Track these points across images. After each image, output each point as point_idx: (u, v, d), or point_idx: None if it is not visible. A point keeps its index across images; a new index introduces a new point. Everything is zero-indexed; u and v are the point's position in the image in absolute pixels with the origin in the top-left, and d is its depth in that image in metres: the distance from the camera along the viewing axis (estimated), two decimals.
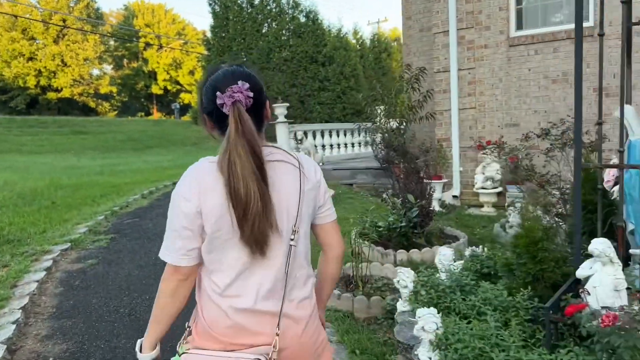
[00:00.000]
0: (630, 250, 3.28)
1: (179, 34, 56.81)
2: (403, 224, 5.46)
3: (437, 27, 8.09)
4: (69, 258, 5.88)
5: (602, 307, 2.63)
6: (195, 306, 1.56)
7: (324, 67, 30.01)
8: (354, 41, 35.77)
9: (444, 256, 4.17)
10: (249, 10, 30.74)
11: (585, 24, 7.02)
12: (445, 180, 7.90)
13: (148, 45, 54.67)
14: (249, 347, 1.46)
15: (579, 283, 3.12)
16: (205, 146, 26.65)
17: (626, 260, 3.24)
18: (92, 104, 49.40)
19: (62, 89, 44.71)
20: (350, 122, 25.11)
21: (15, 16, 41.23)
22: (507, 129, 7.66)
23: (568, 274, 3.35)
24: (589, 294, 2.72)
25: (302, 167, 1.56)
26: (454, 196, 7.95)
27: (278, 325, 1.48)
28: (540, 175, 4.50)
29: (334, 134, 13.52)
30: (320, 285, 1.77)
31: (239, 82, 1.43)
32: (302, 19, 30.79)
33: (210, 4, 29.14)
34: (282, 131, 11.39)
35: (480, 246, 4.62)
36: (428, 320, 3.01)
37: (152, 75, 55.59)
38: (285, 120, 11.47)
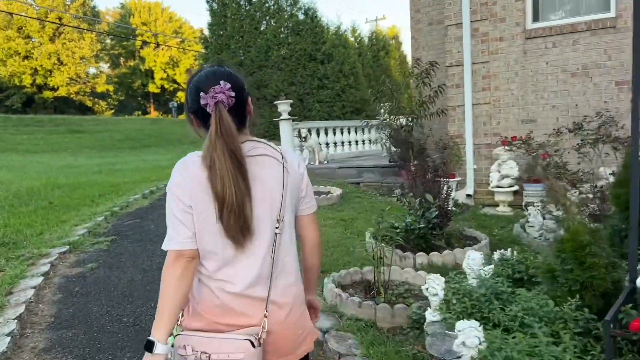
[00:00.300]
0: None
1: (175, 32, 56.42)
2: (422, 225, 5.16)
3: (449, 19, 7.78)
4: (68, 262, 5.56)
5: None
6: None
7: (323, 65, 29.69)
8: (352, 39, 35.40)
9: (473, 260, 3.88)
10: (247, 8, 30.40)
11: (605, 15, 6.74)
12: (458, 178, 7.60)
13: (145, 43, 54.27)
14: (234, 327, 1.53)
15: (635, 293, 2.84)
16: (202, 144, 26.23)
17: None
18: (89, 103, 49.02)
19: (58, 88, 44.34)
20: (349, 120, 24.84)
21: (11, 14, 40.78)
22: (523, 125, 7.37)
23: (619, 281, 3.06)
24: None
25: (285, 160, 1.65)
26: (468, 195, 7.65)
27: (266, 308, 1.56)
28: (572, 172, 4.18)
29: (337, 131, 13.21)
30: (305, 274, 1.86)
31: (221, 83, 1.51)
32: (301, 17, 30.45)
33: (207, 2, 28.73)
34: (285, 129, 11.06)
35: (509, 249, 4.32)
36: (470, 335, 2.71)
37: (149, 74, 55.23)
38: (289, 117, 11.14)
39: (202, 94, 1.51)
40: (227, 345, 1.49)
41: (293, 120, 11.38)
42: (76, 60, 45.26)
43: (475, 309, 3.27)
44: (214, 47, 31.06)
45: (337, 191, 8.49)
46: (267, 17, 30.41)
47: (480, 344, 2.68)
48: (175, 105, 49.39)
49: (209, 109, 1.50)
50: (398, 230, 5.32)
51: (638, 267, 2.91)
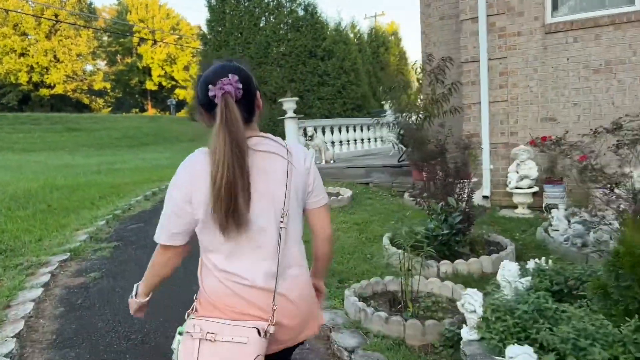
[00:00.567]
0: None
1: (173, 29, 56.01)
2: (445, 231, 4.86)
3: (464, 13, 7.47)
4: (69, 271, 5.26)
5: None
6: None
7: (324, 61, 29.37)
8: (351, 35, 35.07)
9: (508, 271, 3.59)
10: (245, 4, 30.04)
11: (630, 8, 6.45)
12: (474, 179, 7.30)
13: (142, 40, 53.87)
14: (246, 316, 1.57)
15: None
16: (202, 142, 25.95)
17: None
18: (86, 101, 48.65)
19: (54, 85, 43.96)
20: (355, 118, 24.55)
21: (7, 11, 40.30)
22: (543, 124, 7.07)
23: None
24: None
25: (291, 154, 1.69)
26: (484, 197, 7.35)
27: (274, 302, 1.60)
28: (610, 175, 3.90)
29: (343, 129, 12.90)
30: (315, 262, 1.92)
31: (229, 75, 1.55)
32: (301, 13, 30.10)
33: None
34: (290, 127, 10.76)
35: (543, 258, 4.02)
36: None
37: (147, 71, 54.88)
38: (294, 115, 10.83)
39: (210, 86, 1.55)
40: (234, 331, 1.54)
41: (298, 118, 11.08)
42: (73, 57, 44.90)
43: (519, 327, 2.98)
44: (212, 43, 30.74)
45: (347, 192, 8.20)
46: (267, 13, 30.07)
47: None
48: (174, 102, 49.02)
49: (216, 100, 1.54)
50: (419, 237, 5.02)
51: None
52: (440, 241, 4.90)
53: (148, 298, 1.87)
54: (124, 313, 4.15)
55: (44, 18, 42.75)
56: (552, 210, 6.01)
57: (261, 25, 29.92)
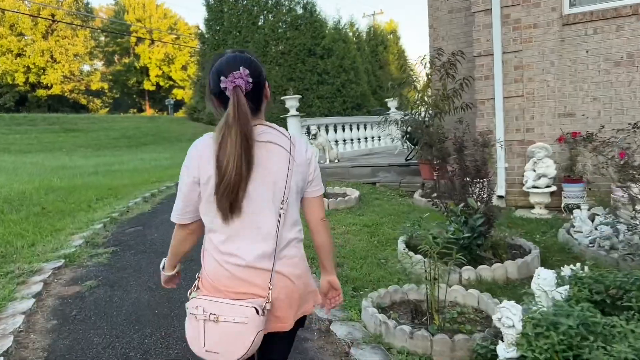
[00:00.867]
0: None
1: (170, 29, 55.64)
2: (467, 234, 4.53)
3: (477, 5, 7.14)
4: (63, 279, 4.91)
5: None
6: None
7: (323, 60, 29.11)
8: (350, 34, 34.77)
9: (544, 280, 3.27)
10: (244, 2, 29.78)
11: None
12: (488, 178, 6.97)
13: (140, 40, 53.49)
14: (244, 295, 1.66)
15: None
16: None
17: None
18: (83, 101, 48.25)
19: (52, 86, 43.58)
20: (359, 116, 24.22)
21: (3, 11, 39.89)
22: (560, 120, 6.75)
23: None
24: None
25: (293, 146, 1.75)
26: (499, 196, 7.02)
27: (270, 280, 1.69)
28: None
29: (347, 128, 12.56)
30: (318, 255, 1.95)
31: (241, 68, 1.62)
32: (299, 11, 29.88)
33: None
34: (293, 126, 10.42)
35: (578, 264, 3.70)
36: None
37: (144, 71, 54.57)
38: (297, 113, 10.49)
39: (222, 77, 1.61)
40: (235, 311, 1.61)
41: (301, 116, 10.74)
42: (70, 57, 44.52)
43: (564, 344, 2.66)
44: (210, 42, 30.52)
45: (354, 193, 7.87)
46: (265, 12, 29.85)
47: None
48: (172, 102, 48.63)
49: (227, 93, 1.61)
50: (439, 240, 4.69)
51: None
52: (461, 245, 4.56)
53: (176, 270, 1.97)
54: (122, 326, 3.83)
55: (41, 17, 42.34)
56: (575, 211, 5.69)
57: (260, 23, 29.69)
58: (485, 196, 5.07)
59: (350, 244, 5.55)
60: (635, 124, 4.03)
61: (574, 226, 5.63)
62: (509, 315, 2.89)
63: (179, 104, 51.11)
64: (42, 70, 43.38)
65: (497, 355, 2.91)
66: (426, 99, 7.79)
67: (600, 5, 6.43)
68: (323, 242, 1.93)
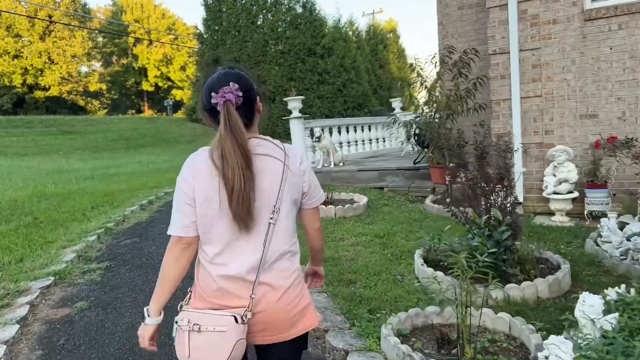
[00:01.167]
0: None
1: (169, 29, 55.24)
2: (492, 249, 4.14)
3: (491, 0, 6.75)
4: (52, 299, 4.52)
5: None
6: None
7: (323, 59, 28.72)
8: (349, 33, 34.41)
9: (591, 307, 2.89)
10: (242, 2, 29.37)
11: None
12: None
13: (138, 41, 53.09)
14: (229, 308, 1.69)
15: None
16: (200, 143, 25.12)
17: None
18: (82, 103, 47.82)
19: (49, 88, 43.17)
20: (354, 117, 23.86)
21: None
22: (582, 121, 6.36)
23: None
24: None
25: (288, 158, 1.78)
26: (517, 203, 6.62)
27: (253, 290, 1.70)
28: None
29: (351, 129, 12.16)
30: (311, 254, 2.14)
31: (230, 84, 1.67)
32: (299, 10, 29.50)
33: None
34: (297, 128, 10.02)
35: (623, 285, 3.31)
36: None
37: (143, 72, 54.21)
38: (300, 115, 10.09)
39: (213, 93, 1.66)
40: (214, 320, 1.66)
41: (305, 118, 10.34)
42: (67, 58, 44.11)
43: None
44: (209, 42, 30.12)
45: (362, 199, 7.48)
46: (264, 11, 29.48)
47: None
48: (171, 103, 48.19)
49: (218, 107, 1.66)
50: (462, 256, 4.30)
51: None
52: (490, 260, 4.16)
53: (161, 318, 1.83)
54: (115, 357, 3.44)
55: (38, 18, 41.91)
56: (602, 220, 5.30)
57: (259, 23, 29.31)
58: (509, 206, 4.69)
59: (362, 258, 5.16)
60: None
61: (601, 236, 5.25)
62: (558, 354, 2.51)
63: (177, 105, 50.70)
64: (39, 72, 42.96)
65: None
66: (438, 99, 7.39)
67: None
68: (316, 246, 2.08)
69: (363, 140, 12.55)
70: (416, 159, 9.27)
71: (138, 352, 3.50)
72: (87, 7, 50.09)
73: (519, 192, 6.66)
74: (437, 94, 7.40)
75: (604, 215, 5.95)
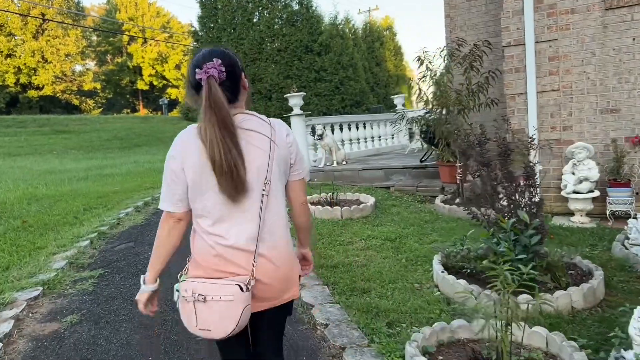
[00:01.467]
0: None
1: (163, 27, 54.74)
2: (522, 255, 3.79)
3: None
4: (40, 312, 4.15)
5: None
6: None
7: (320, 56, 28.38)
8: (346, 30, 34.08)
9: None
10: None
11: None
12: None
13: (132, 39, 52.59)
14: (228, 274, 1.76)
15: None
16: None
17: None
18: (76, 102, 47.31)
19: (43, 87, 42.66)
20: (349, 114, 23.50)
21: None
22: (603, 116, 6.03)
23: None
24: None
25: (274, 131, 1.85)
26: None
27: (254, 260, 1.78)
28: None
29: (353, 127, 11.79)
30: (297, 233, 2.14)
31: (214, 60, 1.73)
32: (295, 7, 29.13)
33: None
34: (298, 125, 9.66)
35: None
36: None
37: (137, 71, 53.74)
38: (301, 112, 9.72)
39: (197, 69, 1.72)
40: (220, 289, 1.71)
41: (306, 115, 9.97)
42: (61, 57, 43.62)
43: None
44: (204, 40, 29.75)
45: (369, 200, 7.12)
46: (260, 8, 29.11)
47: None
48: (166, 102, 47.69)
49: (202, 83, 1.70)
50: (486, 263, 3.96)
51: None
52: (514, 267, 3.82)
53: (157, 285, 1.93)
54: None
55: (31, 17, 41.36)
56: (630, 221, 4.95)
57: (255, 20, 28.93)
58: (534, 208, 4.35)
59: (375, 264, 4.80)
60: None
61: (628, 238, 4.91)
62: None
63: (173, 104, 50.25)
64: (33, 71, 42.48)
65: None
66: (447, 93, 7.03)
67: None
68: (302, 223, 2.08)
69: (365, 138, 12.19)
70: (423, 157, 8.92)
71: None
72: (81, 5, 49.66)
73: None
74: (446, 88, 7.04)
75: (628, 215, 5.63)
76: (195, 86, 1.75)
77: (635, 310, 2.64)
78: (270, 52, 28.34)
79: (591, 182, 5.89)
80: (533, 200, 4.34)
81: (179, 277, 1.84)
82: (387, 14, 65.32)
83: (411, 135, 11.97)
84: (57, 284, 4.68)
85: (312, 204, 7.00)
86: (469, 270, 4.19)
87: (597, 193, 5.90)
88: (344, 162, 9.99)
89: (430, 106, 7.11)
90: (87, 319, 3.98)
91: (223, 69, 1.72)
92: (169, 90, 53.51)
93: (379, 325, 3.50)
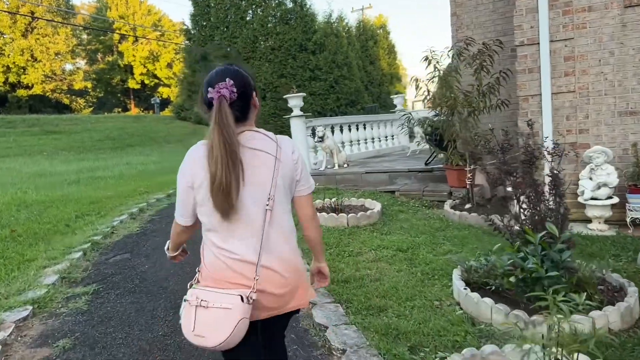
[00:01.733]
0: None
1: (155, 26, 54.16)
2: (552, 272, 3.51)
3: None
4: (29, 335, 3.82)
5: None
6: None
7: (315, 55, 28.11)
8: (340, 28, 33.80)
9: None
10: None
11: None
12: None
13: (123, 38, 51.99)
14: (234, 285, 1.81)
15: None
16: (190, 143, 24.26)
17: None
18: (66, 101, 46.68)
19: (33, 86, 41.98)
20: (343, 114, 23.24)
21: None
22: (622, 119, 5.77)
23: None
24: None
25: (280, 148, 1.90)
26: None
27: (256, 272, 1.82)
28: None
29: (353, 128, 11.49)
30: (309, 246, 2.18)
31: (227, 79, 1.79)
32: (289, 5, 28.81)
33: None
34: (298, 127, 9.35)
35: None
36: None
37: (129, 69, 53.18)
38: (302, 113, 9.41)
39: (209, 88, 1.79)
40: (223, 298, 1.76)
41: (306, 117, 9.66)
42: (51, 56, 42.98)
43: None
44: (197, 39, 29.44)
45: (375, 205, 6.82)
46: (253, 6, 28.81)
47: None
48: (157, 101, 47.16)
49: (213, 102, 1.77)
50: (513, 280, 3.67)
51: None
52: (547, 285, 3.54)
53: (181, 249, 2.20)
54: None
55: (20, 14, 40.71)
56: None
57: (248, 18, 28.62)
58: (560, 218, 4.08)
59: (388, 278, 4.51)
60: None
61: None
62: None
63: (165, 103, 49.72)
64: (22, 70, 41.81)
65: None
66: (455, 94, 6.74)
67: None
68: (312, 236, 2.11)
69: (365, 139, 11.90)
70: (428, 160, 8.64)
71: None
72: (71, 3, 48.96)
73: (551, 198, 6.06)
74: (454, 89, 6.75)
75: None
76: (207, 104, 1.82)
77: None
78: (264, 51, 28.02)
79: (610, 187, 5.63)
80: (560, 210, 4.08)
81: (189, 287, 1.90)
82: (380, 13, 64.99)
83: (411, 136, 11.70)
84: (48, 302, 4.35)
85: (316, 210, 6.69)
86: (493, 288, 3.90)
87: (616, 199, 5.64)
88: (345, 165, 9.69)
89: (439, 108, 6.81)
90: (81, 343, 3.66)
91: (235, 89, 1.78)
92: (160, 89, 52.98)
93: (400, 351, 3.21)
